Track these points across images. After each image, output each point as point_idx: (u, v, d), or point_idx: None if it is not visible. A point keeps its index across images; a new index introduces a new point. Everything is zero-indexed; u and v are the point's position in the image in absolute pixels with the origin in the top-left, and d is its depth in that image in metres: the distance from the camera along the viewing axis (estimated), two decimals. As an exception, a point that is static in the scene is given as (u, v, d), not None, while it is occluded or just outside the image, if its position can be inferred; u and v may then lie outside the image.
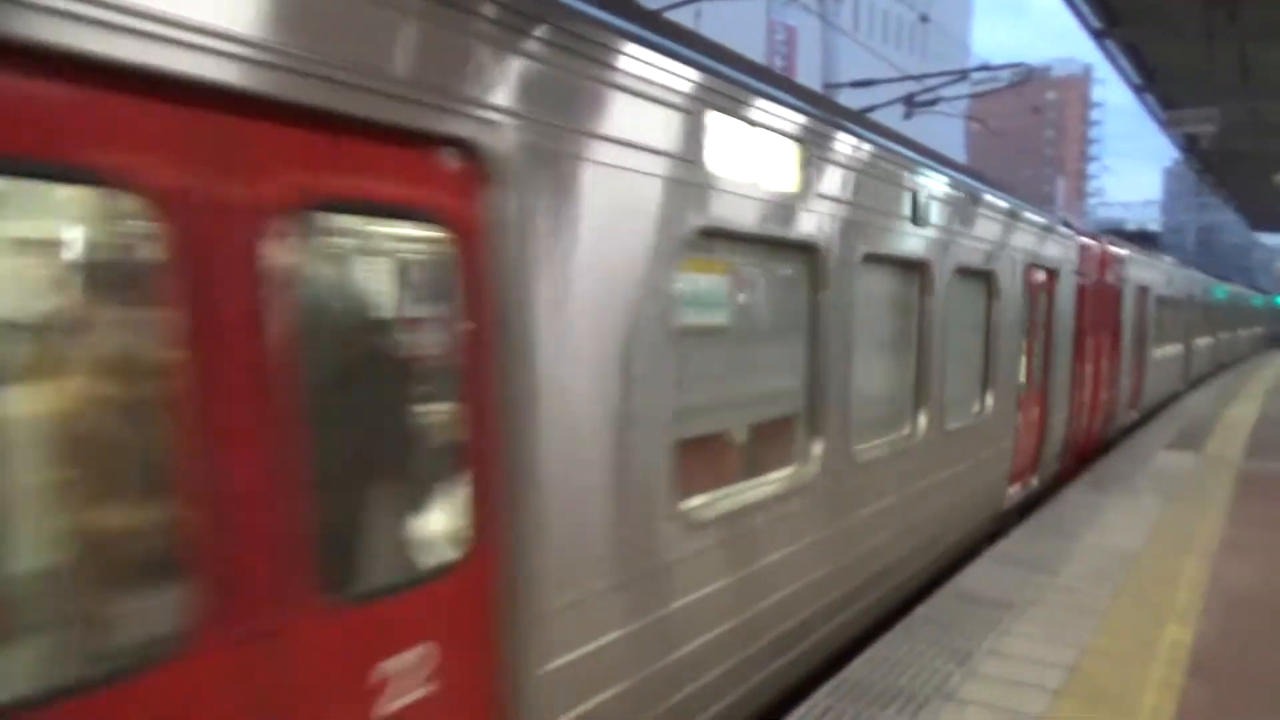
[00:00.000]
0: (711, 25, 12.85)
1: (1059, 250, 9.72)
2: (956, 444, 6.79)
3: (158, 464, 2.05)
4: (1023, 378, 8.61)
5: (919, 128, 11.00)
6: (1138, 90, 18.02)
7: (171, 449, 2.03)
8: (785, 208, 4.31)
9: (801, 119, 4.42)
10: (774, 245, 4.46)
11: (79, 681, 1.86)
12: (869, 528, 5.36)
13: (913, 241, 5.86)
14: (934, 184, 6.12)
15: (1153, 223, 77.20)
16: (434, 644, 2.61)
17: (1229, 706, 4.24)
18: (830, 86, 16.29)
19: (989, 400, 7.52)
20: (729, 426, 4.43)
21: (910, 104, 14.59)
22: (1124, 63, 16.52)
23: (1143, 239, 19.64)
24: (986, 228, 7.26)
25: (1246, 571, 6.36)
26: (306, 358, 2.27)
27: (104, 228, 2.05)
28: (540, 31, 2.85)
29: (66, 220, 2.01)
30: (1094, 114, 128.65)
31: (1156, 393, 17.08)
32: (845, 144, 4.90)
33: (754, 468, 4.47)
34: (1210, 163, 27.04)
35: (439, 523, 2.74)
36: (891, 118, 11.39)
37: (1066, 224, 10.56)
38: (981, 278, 7.29)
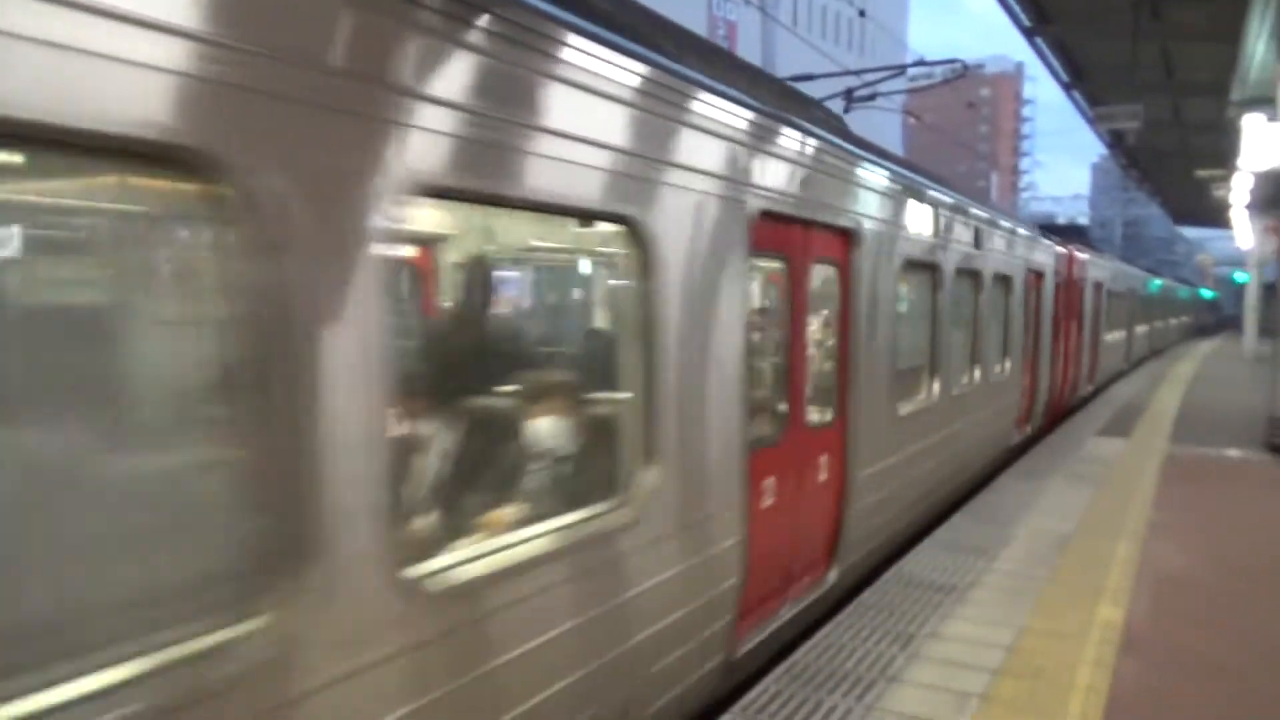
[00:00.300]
0: (653, 18, 12.80)
1: (1045, 257, 12.82)
2: (993, 392, 9.94)
3: (779, 373, 5.23)
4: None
5: (858, 122, 11.13)
6: (1067, 87, 18.53)
7: (780, 368, 5.22)
8: (928, 245, 7.47)
9: (936, 194, 7.67)
10: (924, 267, 7.53)
11: (763, 442, 4.81)
12: (955, 437, 8.39)
13: (973, 259, 8.89)
14: (986, 220, 9.38)
15: (1081, 216, 79.49)
16: (828, 454, 5.61)
17: (1157, 681, 4.40)
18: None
19: (1008, 366, 10.56)
20: (903, 367, 7.06)
21: (849, 99, 14.74)
22: (1054, 60, 16.97)
23: (1073, 232, 20.61)
24: (1010, 246, 10.54)
25: (1172, 552, 6.60)
26: (810, 324, 5.51)
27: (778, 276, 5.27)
28: (876, 179, 6.27)
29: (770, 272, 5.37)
30: (1025, 110, 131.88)
31: (1107, 370, 20.18)
32: (952, 203, 8.18)
33: (911, 394, 7.40)
34: (1136, 158, 27.95)
35: (831, 404, 5.79)
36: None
37: (1047, 235, 13.57)
38: (1004, 281, 10.20)
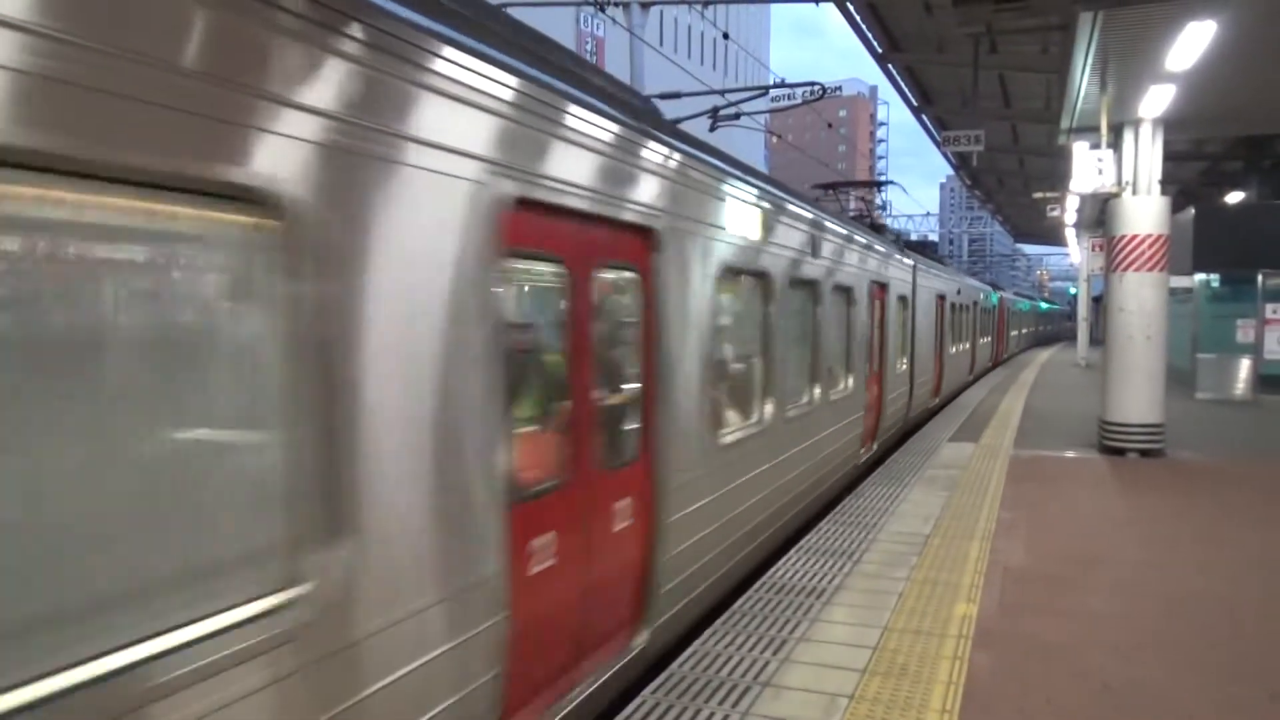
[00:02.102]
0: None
1: (980, 294, 24.08)
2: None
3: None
4: (966, 345, 22.81)
5: (722, 140, 11.44)
6: (916, 111, 19.58)
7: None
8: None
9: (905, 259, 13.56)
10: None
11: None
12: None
13: (931, 291, 14.60)
14: (931, 270, 15.82)
15: (932, 233, 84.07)
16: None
17: (1006, 668, 4.69)
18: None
19: (966, 347, 19.90)
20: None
21: (715, 117, 15.13)
22: (904, 85, 17.91)
23: (924, 247, 22.17)
24: (957, 282, 19.95)
25: (1017, 548, 7.06)
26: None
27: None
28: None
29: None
30: (880, 132, 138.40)
31: (1001, 354, 35.11)
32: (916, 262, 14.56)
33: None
34: (979, 179, 29.78)
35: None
36: (697, 129, 11.76)
37: (992, 284, 33.92)
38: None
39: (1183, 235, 17.40)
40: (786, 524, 7.83)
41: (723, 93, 15.12)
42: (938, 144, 19.88)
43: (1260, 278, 18.78)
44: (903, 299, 13.70)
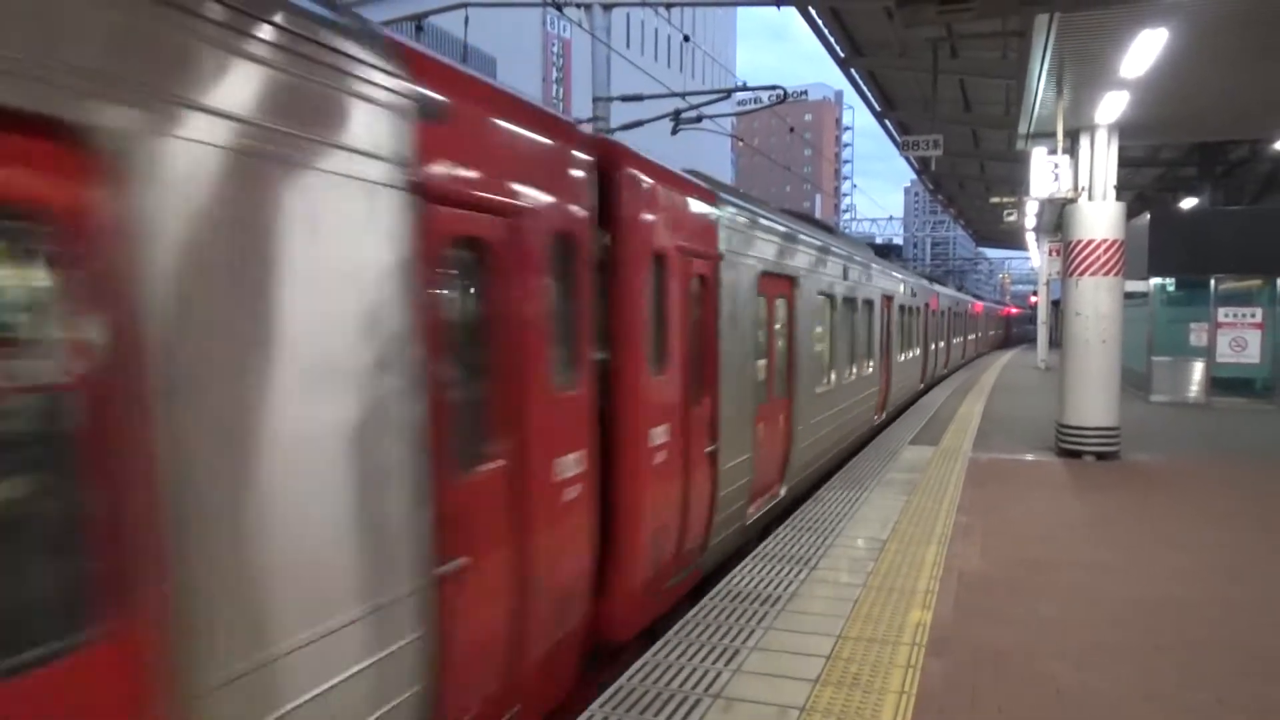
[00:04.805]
0: (487, 34, 12.62)
1: (963, 305, 33.90)
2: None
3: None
4: (965, 337, 36.16)
5: (688, 143, 11.40)
6: (879, 115, 19.68)
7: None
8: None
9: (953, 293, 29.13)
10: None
11: None
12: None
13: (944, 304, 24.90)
14: (947, 293, 27.70)
15: (896, 237, 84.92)
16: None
17: (959, 677, 4.65)
18: (600, 100, 16.50)
19: (968, 339, 36.96)
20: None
21: (677, 120, 15.07)
22: (867, 90, 18.00)
23: (888, 251, 22.47)
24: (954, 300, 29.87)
25: (972, 553, 7.05)
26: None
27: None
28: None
29: None
30: (844, 137, 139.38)
31: (979, 349, 43.61)
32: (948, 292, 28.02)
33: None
34: (941, 183, 30.07)
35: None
36: (660, 132, 11.71)
37: (974, 294, 51.56)
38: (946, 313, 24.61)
39: (1138, 240, 17.66)
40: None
41: (684, 95, 15.06)
42: (899, 148, 20.01)
43: (1213, 282, 19.09)
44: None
